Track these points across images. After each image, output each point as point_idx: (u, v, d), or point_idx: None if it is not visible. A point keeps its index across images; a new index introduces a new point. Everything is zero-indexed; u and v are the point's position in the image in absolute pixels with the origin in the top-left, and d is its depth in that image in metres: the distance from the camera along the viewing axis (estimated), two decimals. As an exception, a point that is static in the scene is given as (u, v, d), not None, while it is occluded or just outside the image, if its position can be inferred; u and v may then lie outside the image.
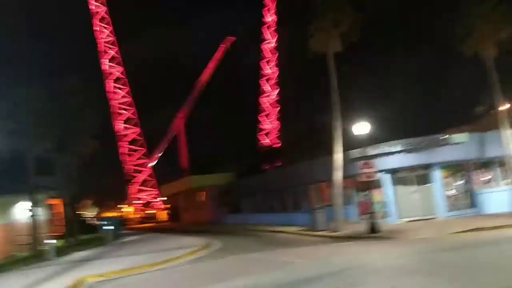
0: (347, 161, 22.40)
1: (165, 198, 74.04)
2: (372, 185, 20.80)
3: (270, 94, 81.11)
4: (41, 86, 25.21)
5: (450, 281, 8.18)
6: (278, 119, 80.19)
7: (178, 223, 55.60)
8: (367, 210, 19.64)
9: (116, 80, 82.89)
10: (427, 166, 22.32)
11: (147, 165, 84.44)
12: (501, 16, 19.05)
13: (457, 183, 22.64)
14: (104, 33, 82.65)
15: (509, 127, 19.92)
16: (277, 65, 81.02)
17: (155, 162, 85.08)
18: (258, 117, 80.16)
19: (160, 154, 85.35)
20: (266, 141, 77.63)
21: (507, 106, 24.35)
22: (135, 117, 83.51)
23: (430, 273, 9.22)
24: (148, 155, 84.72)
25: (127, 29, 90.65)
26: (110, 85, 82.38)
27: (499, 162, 22.48)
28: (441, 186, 22.16)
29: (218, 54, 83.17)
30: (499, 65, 20.25)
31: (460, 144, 21.86)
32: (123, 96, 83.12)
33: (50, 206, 34.99)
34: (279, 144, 72.93)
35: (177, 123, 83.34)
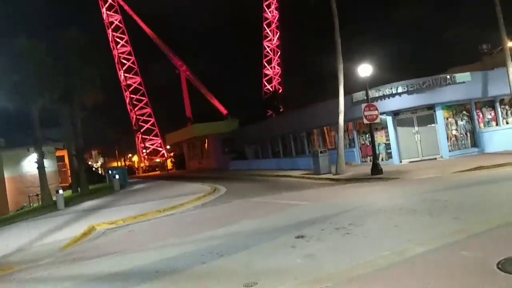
0: (350, 104, 22.35)
1: (169, 147, 74.62)
2: (374, 127, 20.88)
3: (271, 39, 79.50)
4: (41, 38, 24.81)
5: (453, 219, 8.32)
6: (279, 64, 78.99)
7: (184, 171, 56.33)
8: (369, 152, 19.76)
9: (115, 29, 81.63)
10: (430, 107, 22.24)
11: (149, 113, 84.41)
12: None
13: (459, 123, 22.63)
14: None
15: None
16: (277, 9, 78.87)
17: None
18: (262, 62, 78.82)
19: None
20: (268, 87, 76.90)
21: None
22: (135, 67, 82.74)
23: (433, 211, 9.37)
24: (150, 104, 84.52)
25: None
26: (110, 34, 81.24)
27: (502, 101, 22.40)
28: (443, 126, 22.16)
29: None
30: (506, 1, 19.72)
31: (462, 84, 21.68)
32: (122, 46, 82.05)
33: (57, 158, 35.42)
34: (281, 90, 72.41)
35: (179, 72, 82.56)
